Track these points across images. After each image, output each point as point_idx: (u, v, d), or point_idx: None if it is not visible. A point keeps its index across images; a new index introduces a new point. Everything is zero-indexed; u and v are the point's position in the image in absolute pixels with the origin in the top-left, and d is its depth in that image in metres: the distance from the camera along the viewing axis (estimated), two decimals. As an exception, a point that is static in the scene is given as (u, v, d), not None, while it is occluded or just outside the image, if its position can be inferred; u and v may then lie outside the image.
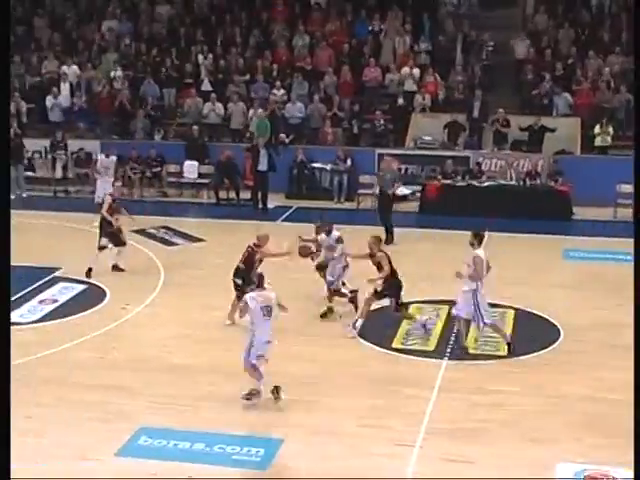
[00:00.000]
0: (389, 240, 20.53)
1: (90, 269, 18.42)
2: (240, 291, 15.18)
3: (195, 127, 26.44)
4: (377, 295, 15.51)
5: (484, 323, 14.60)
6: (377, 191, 22.41)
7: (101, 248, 18.66)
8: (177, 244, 21.52)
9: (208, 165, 26.10)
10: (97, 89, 28.01)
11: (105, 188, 22.50)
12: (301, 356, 14.74)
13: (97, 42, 29.71)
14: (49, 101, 27.60)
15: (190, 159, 26.17)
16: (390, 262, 15.41)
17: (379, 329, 15.91)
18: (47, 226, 22.14)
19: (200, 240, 21.58)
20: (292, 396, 13.23)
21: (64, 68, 28.39)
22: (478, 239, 14.62)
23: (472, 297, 14.44)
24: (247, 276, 15.44)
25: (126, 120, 27.51)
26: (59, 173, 26.44)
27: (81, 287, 18.11)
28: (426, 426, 12.24)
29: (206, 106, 27.17)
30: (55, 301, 17.25)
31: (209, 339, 15.49)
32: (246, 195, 25.10)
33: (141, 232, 22.00)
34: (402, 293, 15.62)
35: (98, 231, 18.80)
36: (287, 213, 24.18)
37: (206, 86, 27.92)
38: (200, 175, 26.15)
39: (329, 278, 16.52)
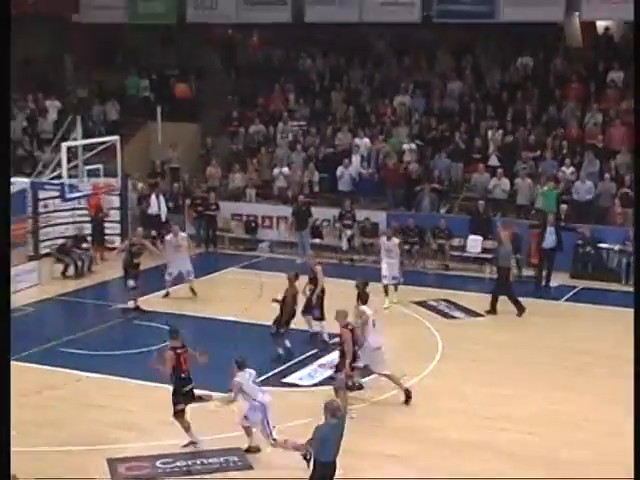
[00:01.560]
0: (520, 311, 21.39)
1: None
2: None
3: (481, 202, 26.42)
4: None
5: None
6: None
7: None
8: (457, 317, 21.48)
9: (492, 240, 25.93)
10: (386, 161, 28.62)
11: (390, 270, 22.35)
12: (579, 442, 14.27)
13: (389, 116, 30.46)
14: (340, 171, 28.47)
15: (474, 233, 26.14)
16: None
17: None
18: (329, 292, 22.84)
19: (480, 315, 21.44)
20: None
21: (356, 140, 29.27)
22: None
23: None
24: None
25: (413, 192, 27.89)
26: (345, 242, 27.07)
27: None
28: None
29: (492, 181, 27.11)
30: (332, 367, 17.55)
31: (484, 416, 15.30)
32: (528, 272, 24.73)
33: (421, 304, 22.17)
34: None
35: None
36: (571, 293, 23.58)
37: (493, 161, 27.91)
38: (484, 250, 26.05)
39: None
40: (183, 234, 23.28)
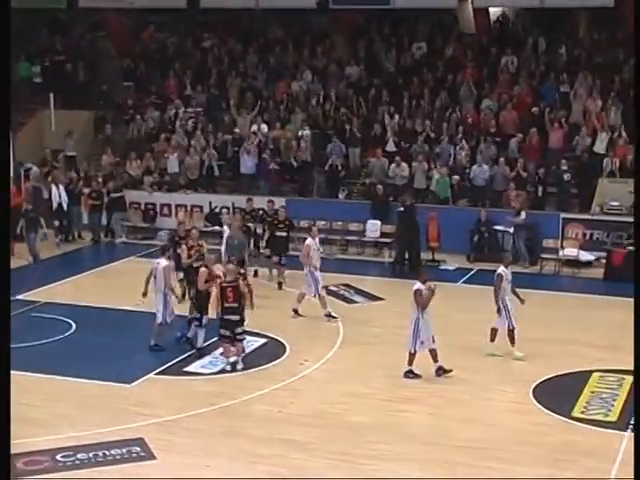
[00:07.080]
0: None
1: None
2: None
3: (379, 186, 26.60)
4: None
5: None
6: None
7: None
8: (357, 302, 21.61)
9: (390, 225, 26.14)
10: (284, 147, 28.58)
11: None
12: (477, 420, 14.52)
13: (285, 102, 30.41)
14: (242, 158, 28.24)
15: (374, 218, 26.32)
16: None
17: (558, 396, 15.52)
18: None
19: (380, 299, 21.62)
20: (465, 460, 13.04)
21: (254, 127, 29.13)
22: None
23: None
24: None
25: (307, 178, 27.96)
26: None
27: (262, 341, 18.39)
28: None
29: (391, 167, 27.27)
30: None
31: (385, 398, 15.46)
32: (427, 255, 25.00)
33: (322, 289, 22.22)
34: None
35: None
36: (468, 275, 23.95)
37: (391, 146, 28.12)
38: (382, 234, 26.24)
39: None
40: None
